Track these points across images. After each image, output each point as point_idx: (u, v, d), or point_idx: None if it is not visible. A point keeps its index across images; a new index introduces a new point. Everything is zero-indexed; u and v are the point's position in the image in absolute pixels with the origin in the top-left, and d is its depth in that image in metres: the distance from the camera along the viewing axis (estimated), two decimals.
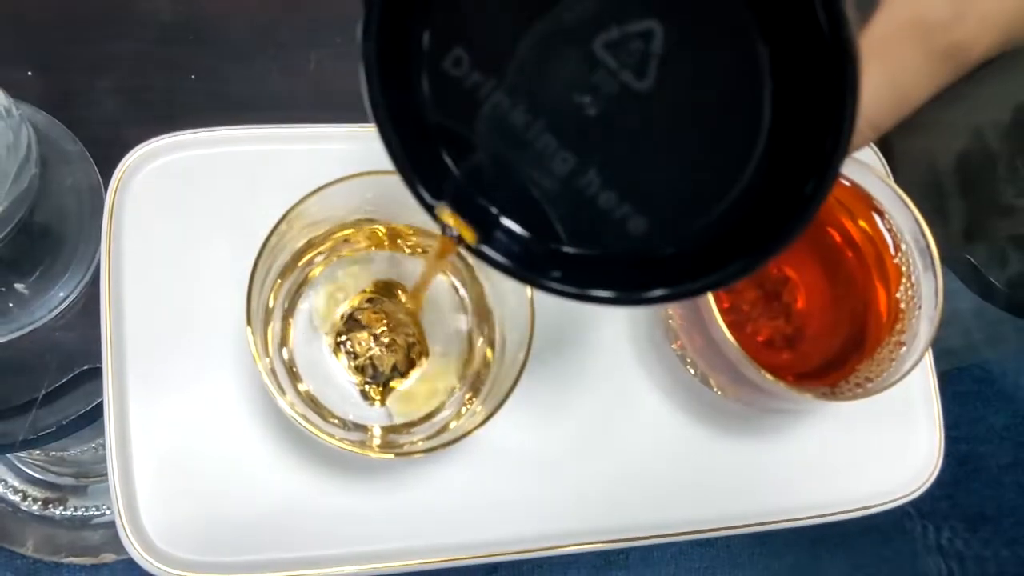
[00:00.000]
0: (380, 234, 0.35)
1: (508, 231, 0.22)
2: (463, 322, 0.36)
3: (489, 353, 0.35)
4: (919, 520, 0.83)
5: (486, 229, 0.22)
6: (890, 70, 0.24)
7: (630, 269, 0.21)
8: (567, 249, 0.22)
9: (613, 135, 0.20)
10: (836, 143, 0.18)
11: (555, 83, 0.20)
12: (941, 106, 0.53)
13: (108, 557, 0.64)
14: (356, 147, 0.38)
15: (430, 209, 0.22)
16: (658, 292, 0.21)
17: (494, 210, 0.22)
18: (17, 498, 0.65)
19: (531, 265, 0.22)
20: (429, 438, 0.33)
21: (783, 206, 0.19)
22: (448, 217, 0.22)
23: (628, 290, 0.21)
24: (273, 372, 0.32)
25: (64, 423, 0.40)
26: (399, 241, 0.36)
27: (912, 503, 0.38)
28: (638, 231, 0.21)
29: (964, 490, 0.84)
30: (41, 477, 0.65)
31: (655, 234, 0.21)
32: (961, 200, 0.55)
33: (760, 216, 0.20)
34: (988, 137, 0.53)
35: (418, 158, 0.22)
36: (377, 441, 0.34)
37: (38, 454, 0.63)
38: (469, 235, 0.22)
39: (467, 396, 0.35)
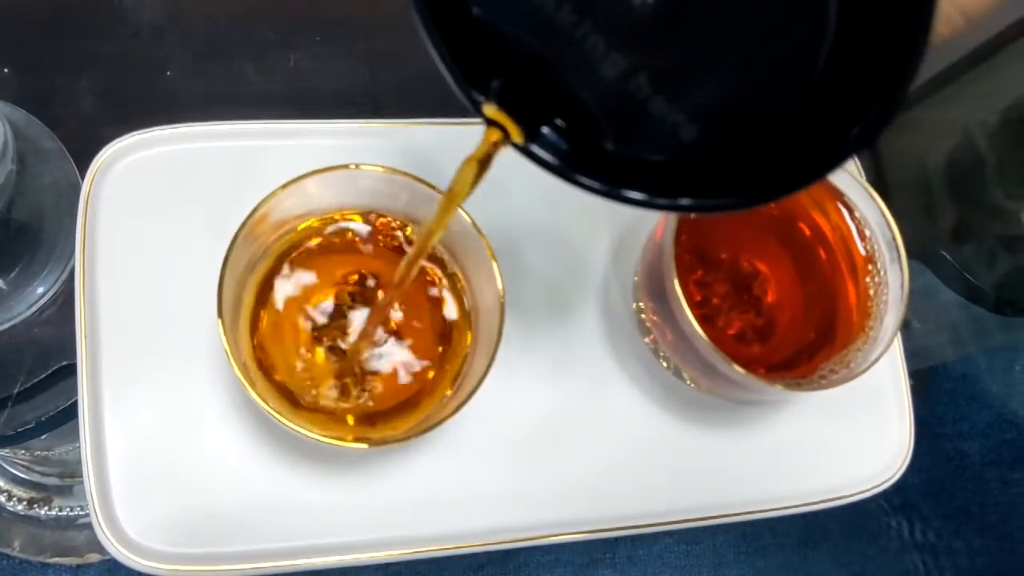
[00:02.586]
0: (360, 227, 0.36)
1: (554, 130, 0.22)
2: (440, 313, 0.36)
3: (468, 342, 0.35)
4: (903, 518, 0.83)
5: (531, 127, 0.22)
6: None
7: (664, 174, 0.21)
8: (610, 149, 0.22)
9: (665, 40, 0.20)
10: (909, 55, 0.17)
11: None
12: (930, 106, 0.54)
13: (93, 557, 0.64)
14: (333, 143, 0.38)
15: (476, 105, 0.22)
16: (685, 201, 0.21)
17: (540, 109, 0.22)
18: (2, 498, 0.65)
19: (574, 164, 0.22)
20: (405, 428, 0.33)
21: (838, 128, 0.19)
22: (494, 113, 0.22)
23: (658, 194, 0.21)
24: (245, 365, 0.32)
25: (43, 419, 0.40)
26: (375, 233, 0.36)
27: (896, 500, 0.38)
28: (688, 138, 0.20)
29: (948, 487, 0.84)
30: (26, 477, 0.65)
31: (705, 143, 0.20)
32: (950, 200, 0.55)
33: (812, 135, 0.19)
34: (977, 138, 0.54)
35: (462, 51, 0.21)
36: (352, 432, 0.34)
37: (23, 453, 0.63)
38: (515, 132, 0.22)
39: (444, 386, 0.35)
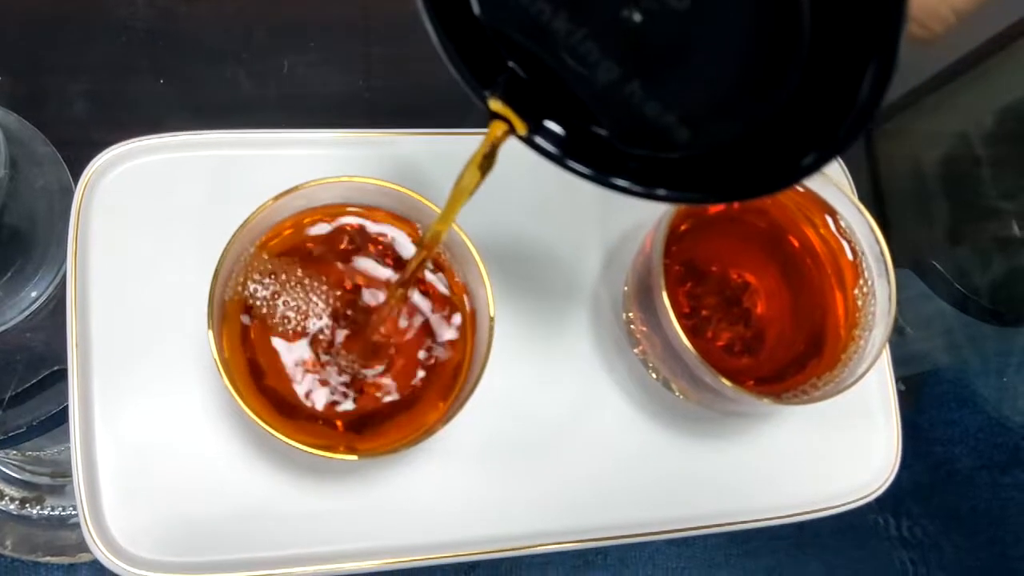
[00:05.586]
0: (349, 232, 0.36)
1: (556, 122, 0.23)
2: (435, 321, 0.36)
3: (461, 351, 0.35)
4: (894, 520, 0.83)
5: (535, 120, 0.23)
6: None
7: (646, 165, 0.23)
8: (607, 141, 0.23)
9: (654, 49, 0.21)
10: (885, 57, 0.18)
11: None
12: (925, 111, 0.54)
13: (85, 557, 0.64)
14: (324, 152, 0.38)
15: (481, 98, 0.23)
16: (661, 192, 0.22)
17: (543, 104, 0.23)
18: None
19: (571, 154, 0.23)
20: (395, 438, 0.33)
21: (807, 140, 0.20)
22: (499, 108, 0.23)
23: (639, 183, 0.22)
24: (235, 373, 0.32)
25: (34, 424, 0.40)
26: (368, 242, 0.36)
27: (887, 504, 0.39)
28: (682, 139, 0.22)
29: (939, 491, 0.85)
30: (18, 476, 0.65)
31: (697, 144, 0.22)
32: (945, 201, 0.55)
33: (788, 138, 0.20)
34: (973, 141, 0.54)
35: (467, 49, 0.22)
36: (343, 439, 0.34)
37: (15, 454, 0.63)
38: (520, 125, 0.23)
39: (436, 394, 0.35)
